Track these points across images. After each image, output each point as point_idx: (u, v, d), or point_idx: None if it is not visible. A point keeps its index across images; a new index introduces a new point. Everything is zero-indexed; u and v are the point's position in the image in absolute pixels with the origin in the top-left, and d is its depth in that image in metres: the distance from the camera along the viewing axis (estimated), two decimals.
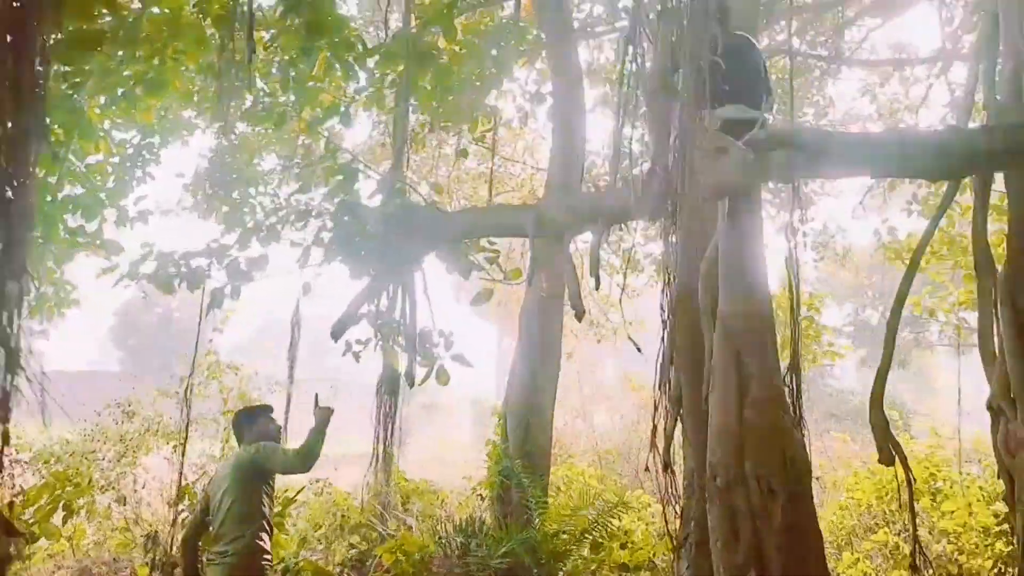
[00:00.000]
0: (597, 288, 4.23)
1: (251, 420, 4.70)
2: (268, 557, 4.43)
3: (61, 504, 6.34)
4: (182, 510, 6.26)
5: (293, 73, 5.99)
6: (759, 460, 4.02)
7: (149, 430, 7.77)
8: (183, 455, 6.50)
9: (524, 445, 7.63)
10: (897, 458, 3.88)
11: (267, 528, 4.47)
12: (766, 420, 4.09)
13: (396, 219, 4.76)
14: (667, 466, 4.92)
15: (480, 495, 7.77)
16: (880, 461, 3.97)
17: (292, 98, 8.56)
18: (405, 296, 4.92)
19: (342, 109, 6.86)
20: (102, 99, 8.71)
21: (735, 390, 4.13)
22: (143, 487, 7.55)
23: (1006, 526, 6.39)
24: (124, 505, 7.07)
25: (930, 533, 7.21)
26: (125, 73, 7.77)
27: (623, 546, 7.31)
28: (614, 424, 15.24)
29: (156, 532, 6.26)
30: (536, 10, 8.24)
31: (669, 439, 4.90)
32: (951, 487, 7.59)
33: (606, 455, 13.65)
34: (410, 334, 4.85)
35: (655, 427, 4.79)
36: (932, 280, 8.85)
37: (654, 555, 6.93)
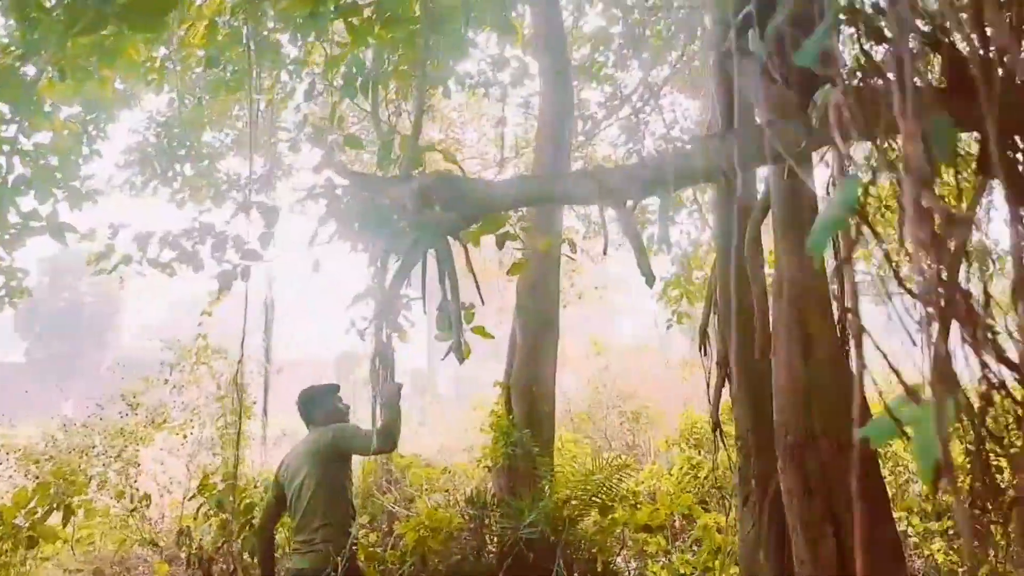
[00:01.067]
0: (669, 253, 4.19)
1: (320, 401, 4.51)
2: (357, 542, 4.28)
3: (57, 504, 5.97)
4: (202, 504, 5.98)
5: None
6: (828, 420, 4.06)
7: (154, 422, 7.37)
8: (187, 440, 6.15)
9: (529, 415, 7.58)
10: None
11: (353, 513, 4.32)
12: (830, 379, 4.14)
13: (435, 191, 4.56)
14: (716, 425, 4.95)
15: (487, 467, 7.69)
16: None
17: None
18: (442, 270, 4.74)
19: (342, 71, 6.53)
20: (51, 71, 8.14)
21: (799, 350, 4.15)
22: (153, 480, 7.19)
23: None
24: (132, 502, 6.71)
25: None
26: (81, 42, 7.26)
27: (634, 506, 7.38)
28: (580, 388, 15.37)
29: (188, 527, 5.95)
30: None
31: (717, 399, 4.92)
32: None
33: (576, 418, 13.78)
34: (455, 309, 4.69)
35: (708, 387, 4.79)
36: None
37: (671, 514, 7.03)
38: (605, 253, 3.81)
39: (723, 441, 4.94)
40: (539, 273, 7.55)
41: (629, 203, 4.09)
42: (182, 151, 10.70)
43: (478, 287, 4.95)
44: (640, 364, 16.06)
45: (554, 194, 4.16)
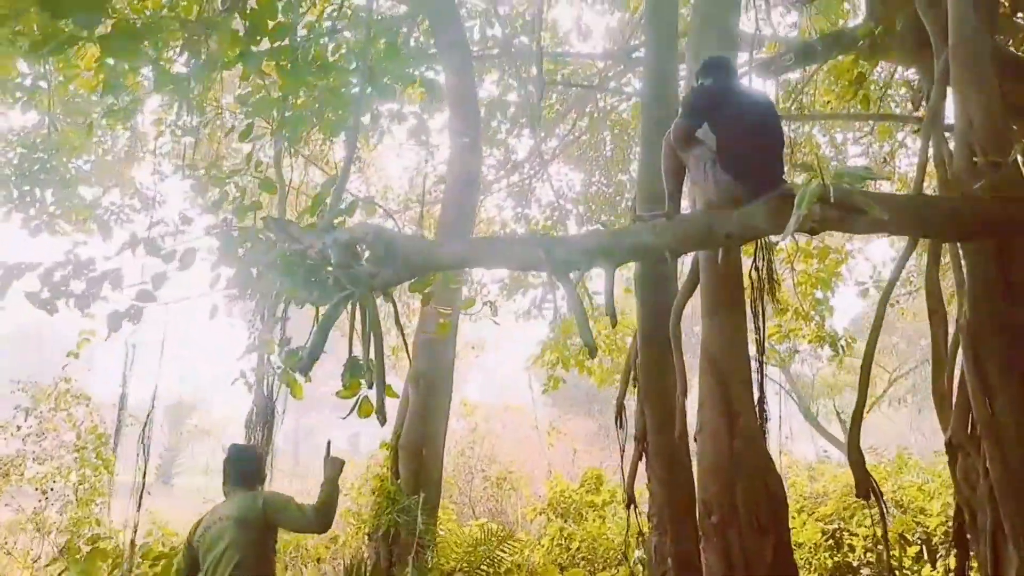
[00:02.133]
0: (614, 326, 4.19)
1: (250, 462, 4.13)
2: None
3: None
4: (63, 572, 5.25)
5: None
6: (749, 497, 4.16)
7: (7, 474, 6.42)
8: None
9: (417, 478, 7.32)
10: (873, 493, 4.20)
11: None
12: (754, 455, 4.26)
13: (370, 245, 4.39)
14: (631, 501, 4.96)
15: (367, 533, 7.31)
16: (858, 495, 4.26)
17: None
18: (366, 326, 4.54)
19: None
20: None
21: (725, 426, 4.25)
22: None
23: None
24: None
25: None
26: None
27: None
28: (448, 449, 15.10)
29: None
30: (434, 31, 8.06)
31: (633, 473, 4.94)
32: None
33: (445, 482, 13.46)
34: (380, 367, 4.47)
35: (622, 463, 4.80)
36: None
37: None
38: (554, 319, 3.77)
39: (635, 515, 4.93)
40: (435, 334, 7.41)
41: (573, 274, 4.12)
42: (43, 175, 9.83)
43: (406, 344, 4.79)
44: (509, 427, 16.03)
45: (498, 259, 4.10)
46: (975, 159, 3.83)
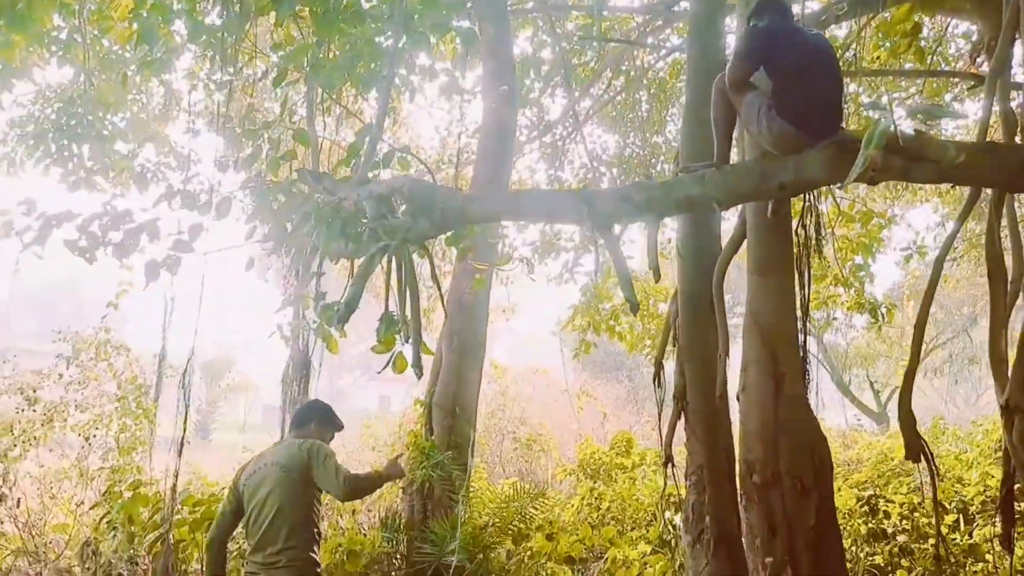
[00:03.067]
0: (657, 280, 4.07)
1: (325, 422, 4.21)
2: (320, 571, 3.88)
3: None
4: (106, 514, 5.32)
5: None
6: (794, 459, 4.05)
7: (51, 420, 6.50)
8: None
9: (450, 435, 7.32)
10: (924, 456, 4.07)
11: (318, 538, 3.91)
12: (799, 418, 4.14)
13: (407, 197, 4.30)
14: (669, 460, 4.87)
15: (400, 487, 7.34)
16: (907, 457, 4.13)
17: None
18: (402, 279, 4.47)
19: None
20: None
21: (771, 388, 4.13)
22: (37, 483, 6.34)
23: None
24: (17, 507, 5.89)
25: None
26: None
27: (549, 537, 7.22)
28: (479, 410, 15.14)
29: (94, 539, 5.26)
30: None
31: (671, 433, 4.85)
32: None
33: (477, 442, 13.52)
34: (416, 321, 4.40)
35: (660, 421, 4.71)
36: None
37: (593, 545, 6.91)
38: (596, 275, 3.66)
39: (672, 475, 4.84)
40: (470, 290, 7.33)
41: (616, 228, 3.99)
42: (80, 131, 9.85)
43: (443, 300, 4.73)
44: (538, 390, 16.02)
45: (538, 212, 3.98)
46: None
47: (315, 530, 3.90)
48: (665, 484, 4.83)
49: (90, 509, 5.90)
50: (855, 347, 27.38)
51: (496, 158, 7.63)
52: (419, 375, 4.29)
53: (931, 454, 4.07)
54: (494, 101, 7.73)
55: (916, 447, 4.06)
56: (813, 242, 4.61)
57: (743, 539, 4.22)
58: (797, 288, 4.56)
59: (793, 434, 4.09)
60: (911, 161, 3.36)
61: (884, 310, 12.28)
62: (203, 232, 5.56)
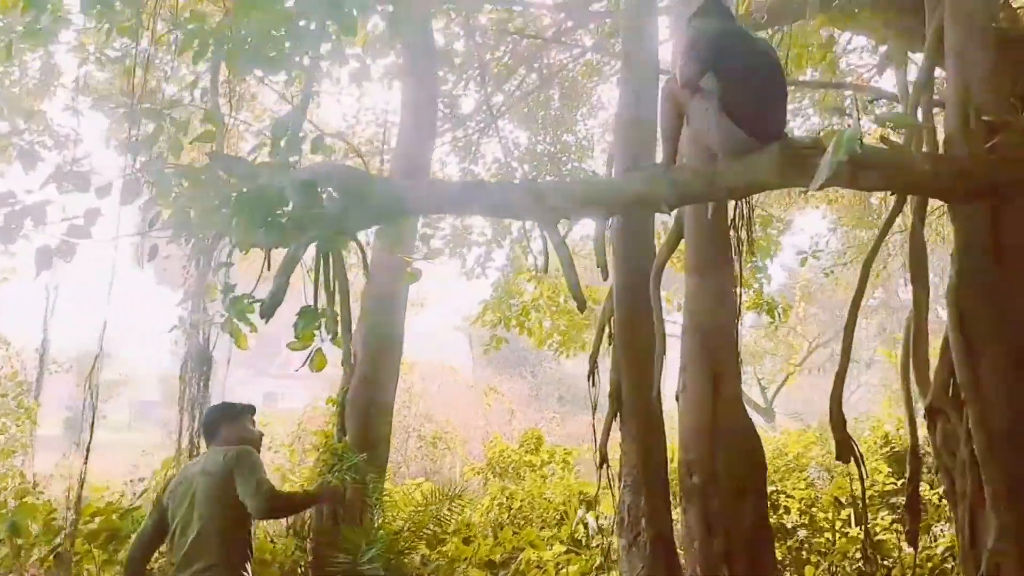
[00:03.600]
0: (605, 279, 3.97)
1: (232, 419, 3.84)
2: None
3: None
4: None
5: None
6: (731, 459, 4.08)
7: None
8: None
9: (365, 436, 7.04)
10: (852, 455, 4.15)
11: (250, 553, 3.60)
12: (736, 418, 4.17)
13: (338, 185, 4.05)
14: (604, 460, 4.82)
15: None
16: (838, 457, 4.21)
17: None
18: (329, 272, 4.22)
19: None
20: None
21: (710, 388, 4.14)
22: None
23: None
24: None
25: None
26: None
27: (466, 541, 7.08)
28: None
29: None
30: None
31: (607, 432, 4.80)
32: None
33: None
34: (346, 316, 4.16)
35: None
36: None
37: (513, 548, 6.79)
38: (545, 271, 3.54)
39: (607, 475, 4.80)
40: (388, 285, 7.09)
41: (562, 223, 3.88)
42: None
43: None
44: (443, 387, 15.85)
45: (485, 204, 3.83)
46: (978, 120, 3.73)
47: (246, 548, 3.62)
48: (599, 485, 4.77)
49: None
50: (743, 345, 28.44)
51: (415, 148, 7.40)
52: (350, 372, 4.07)
53: (861, 456, 4.17)
54: (413, 90, 7.50)
55: (847, 447, 4.14)
56: (744, 244, 4.65)
57: (679, 540, 4.21)
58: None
59: (730, 435, 4.11)
60: (859, 168, 3.41)
61: (780, 310, 12.71)
62: (100, 217, 5.12)
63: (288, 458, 11.07)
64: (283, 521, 7.16)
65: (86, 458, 4.65)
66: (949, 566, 6.81)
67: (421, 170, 7.57)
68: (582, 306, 3.79)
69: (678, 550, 4.50)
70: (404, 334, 7.56)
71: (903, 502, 9.43)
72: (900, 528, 8.38)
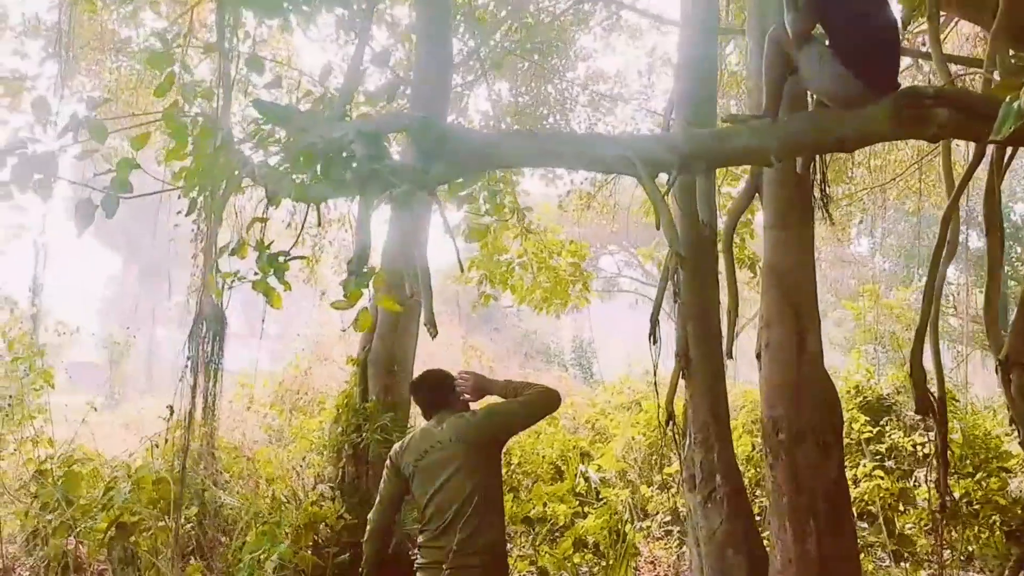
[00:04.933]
0: (707, 235, 3.86)
1: (452, 385, 3.79)
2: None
3: None
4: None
5: None
6: (816, 416, 4.06)
7: None
8: None
9: (387, 397, 6.89)
10: (931, 408, 4.19)
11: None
12: (818, 375, 4.15)
13: (418, 137, 3.83)
14: (670, 417, 4.77)
15: (335, 451, 6.84)
16: (917, 411, 4.25)
17: None
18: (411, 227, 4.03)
19: None
20: None
21: (794, 344, 4.10)
22: None
23: None
24: None
25: None
26: None
27: None
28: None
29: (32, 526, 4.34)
30: None
31: (673, 390, 4.74)
32: None
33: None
34: (426, 276, 3.98)
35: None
36: None
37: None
38: (658, 228, 3.41)
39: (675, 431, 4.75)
40: (407, 240, 6.86)
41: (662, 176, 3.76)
42: None
43: (458, 254, 4.29)
44: (422, 343, 15.63)
45: (577, 157, 3.66)
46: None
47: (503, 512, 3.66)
48: (663, 440, 4.73)
49: (19, 490, 4.99)
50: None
51: (434, 96, 7.10)
52: (433, 335, 3.89)
53: (938, 408, 4.21)
54: (429, 32, 7.19)
55: (927, 401, 4.18)
56: (826, 198, 4.58)
57: (769, 497, 4.20)
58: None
59: (814, 391, 4.09)
60: (976, 119, 3.36)
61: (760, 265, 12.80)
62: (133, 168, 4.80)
63: (279, 417, 10.84)
64: (304, 482, 6.99)
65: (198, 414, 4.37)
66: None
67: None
68: (683, 262, 3.68)
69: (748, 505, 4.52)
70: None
71: (883, 449, 9.78)
72: (882, 474, 8.70)
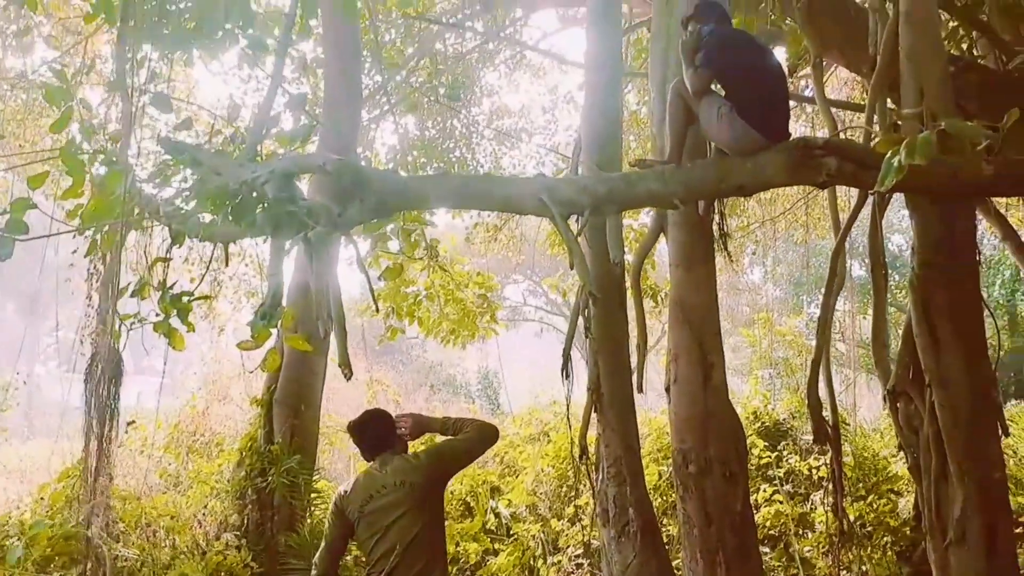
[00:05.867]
0: (622, 273, 3.95)
1: (393, 425, 3.83)
2: None
3: None
4: None
5: None
6: (722, 447, 4.22)
7: None
8: None
9: (294, 438, 6.73)
10: (827, 437, 4.42)
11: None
12: (724, 406, 4.31)
13: (335, 177, 3.81)
14: (583, 452, 4.85)
15: (238, 497, 6.59)
16: (815, 441, 4.47)
17: None
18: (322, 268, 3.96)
19: None
20: None
21: (701, 377, 4.26)
22: None
23: None
24: None
25: None
26: None
27: None
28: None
29: None
30: None
31: (586, 425, 4.83)
32: None
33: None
34: (340, 315, 3.92)
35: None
36: None
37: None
38: (572, 267, 3.50)
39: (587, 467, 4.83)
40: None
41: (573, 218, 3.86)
42: None
43: (372, 290, 4.24)
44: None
45: (493, 198, 3.74)
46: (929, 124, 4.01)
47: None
48: (577, 476, 4.80)
49: None
50: None
51: (344, 132, 7.08)
52: (348, 376, 3.85)
53: (835, 436, 4.44)
54: (339, 67, 7.18)
55: (823, 431, 4.40)
56: (719, 238, 4.80)
57: (680, 528, 4.32)
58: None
59: (720, 423, 4.25)
60: (861, 168, 3.62)
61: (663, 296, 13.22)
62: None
63: (175, 460, 10.35)
64: (207, 529, 6.72)
65: None
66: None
67: (351, 152, 7.29)
68: (595, 299, 3.78)
69: (660, 539, 4.63)
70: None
71: (781, 474, 10.17)
72: (781, 498, 9.06)
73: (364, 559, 3.72)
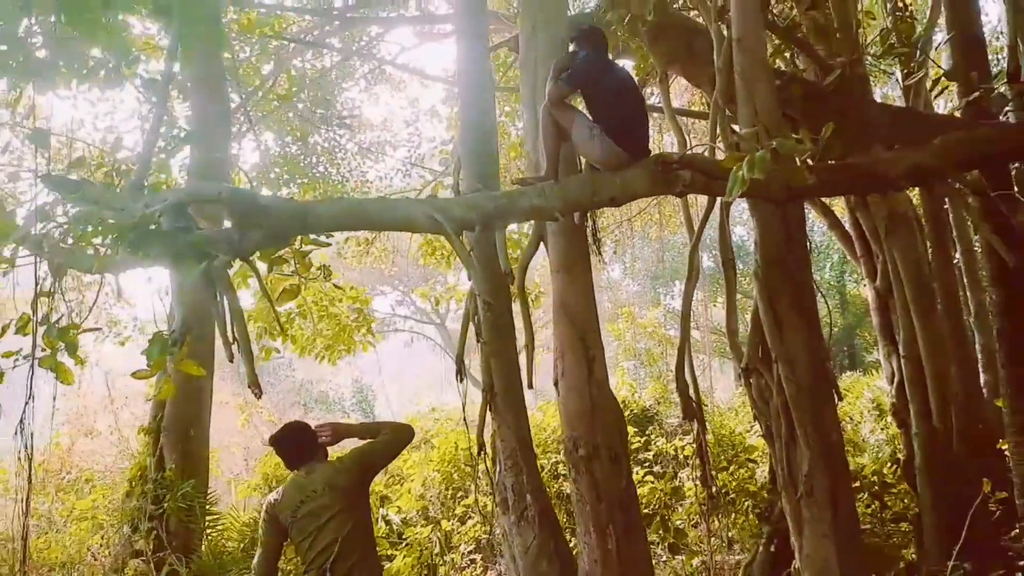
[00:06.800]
0: (512, 283, 4.29)
1: (312, 439, 4.02)
2: None
3: None
4: None
5: None
6: (607, 432, 4.70)
7: None
8: None
9: (185, 463, 6.70)
10: (695, 415, 5.00)
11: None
12: (606, 395, 4.79)
13: (229, 206, 3.96)
14: (481, 447, 5.21)
15: (131, 527, 6.49)
16: (685, 417, 5.03)
17: None
18: (223, 294, 4.10)
19: None
20: None
21: (585, 371, 4.72)
22: None
23: None
24: None
25: None
26: None
27: None
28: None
29: None
30: None
31: (482, 423, 5.19)
32: None
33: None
34: (245, 338, 4.06)
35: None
36: None
37: None
38: (469, 278, 3.85)
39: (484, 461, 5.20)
40: (201, 303, 6.77)
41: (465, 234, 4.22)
42: None
43: (277, 317, 4.38)
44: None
45: (391, 220, 4.04)
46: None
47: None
48: (476, 471, 5.15)
49: None
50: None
51: (214, 151, 7.10)
52: (258, 395, 4.03)
53: (702, 416, 5.02)
54: (205, 89, 7.19)
55: (690, 408, 4.97)
56: (595, 243, 5.29)
57: (575, 507, 4.75)
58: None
59: (604, 411, 4.73)
60: (711, 179, 4.18)
61: (533, 296, 13.77)
62: None
63: (46, 500, 9.89)
64: (101, 562, 6.58)
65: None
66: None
67: (223, 170, 7.31)
68: (492, 311, 4.15)
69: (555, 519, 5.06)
70: (214, 351, 7.25)
71: (650, 456, 10.93)
72: (652, 478, 9.81)
73: (300, 559, 3.90)
